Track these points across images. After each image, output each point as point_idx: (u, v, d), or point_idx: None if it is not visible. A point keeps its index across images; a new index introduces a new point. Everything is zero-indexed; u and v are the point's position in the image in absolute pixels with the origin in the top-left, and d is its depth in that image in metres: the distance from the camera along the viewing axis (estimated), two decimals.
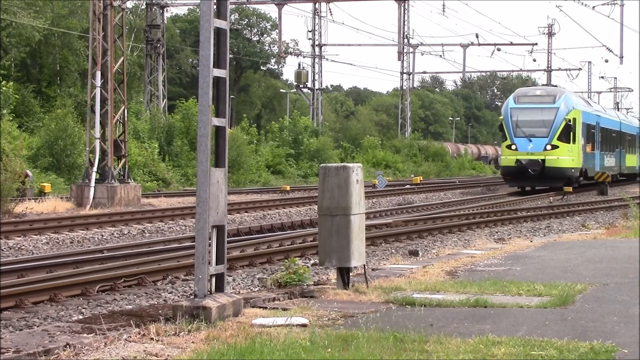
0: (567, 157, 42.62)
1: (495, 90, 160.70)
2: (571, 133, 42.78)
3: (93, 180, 30.48)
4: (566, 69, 78.20)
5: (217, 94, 9.61)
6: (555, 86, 50.47)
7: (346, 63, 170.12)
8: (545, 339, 8.10)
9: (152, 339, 8.25)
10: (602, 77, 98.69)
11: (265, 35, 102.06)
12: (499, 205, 32.92)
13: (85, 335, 8.34)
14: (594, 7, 55.22)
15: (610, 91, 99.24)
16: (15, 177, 27.45)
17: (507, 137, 43.07)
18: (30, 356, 7.49)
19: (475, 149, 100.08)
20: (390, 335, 8.16)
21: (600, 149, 50.12)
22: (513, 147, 42.51)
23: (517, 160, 41.98)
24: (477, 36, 64.00)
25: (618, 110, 78.08)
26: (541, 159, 41.70)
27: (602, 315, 9.44)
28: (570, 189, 43.32)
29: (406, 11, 51.89)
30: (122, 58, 32.69)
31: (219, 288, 9.48)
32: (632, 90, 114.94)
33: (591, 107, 50.97)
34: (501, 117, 44.39)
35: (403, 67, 74.62)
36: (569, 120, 42.59)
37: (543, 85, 52.43)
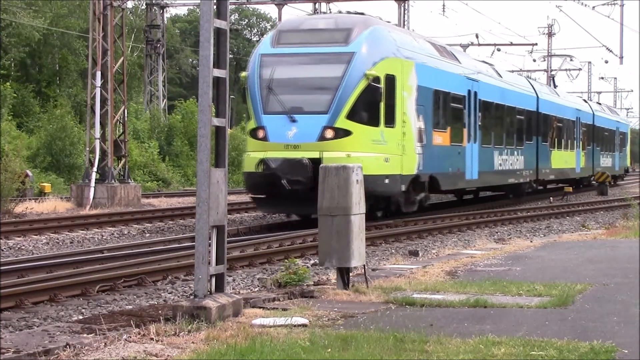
0: (373, 154, 21.78)
1: None
2: (381, 105, 22.03)
3: (93, 181, 30.50)
4: (566, 69, 78.14)
5: (217, 94, 9.62)
6: (362, 14, 24.68)
7: None
8: (545, 339, 8.09)
9: (152, 339, 8.25)
10: (602, 78, 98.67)
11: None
12: (499, 205, 32.85)
13: (85, 335, 8.34)
14: (594, 7, 54.60)
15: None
16: (15, 177, 27.48)
17: (251, 113, 22.37)
18: (30, 356, 7.48)
19: None
20: (390, 335, 8.15)
21: (482, 141, 29.66)
22: (260, 133, 21.73)
23: (263, 162, 21.10)
24: (477, 36, 63.88)
25: (555, 87, 52.93)
26: (310, 160, 20.65)
27: (602, 315, 9.44)
28: (570, 188, 39.36)
29: (406, 11, 52.00)
30: (122, 58, 32.71)
31: (219, 288, 9.48)
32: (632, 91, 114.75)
33: (455, 60, 28.71)
34: (244, 74, 23.09)
35: None
36: (375, 79, 21.72)
37: (340, 12, 27.46)
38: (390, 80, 22.59)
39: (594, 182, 47.54)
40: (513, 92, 34.06)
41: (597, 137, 50.57)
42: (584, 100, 53.16)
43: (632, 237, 18.91)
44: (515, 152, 33.64)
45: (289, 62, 22.32)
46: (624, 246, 16.91)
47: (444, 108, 26.75)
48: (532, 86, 38.56)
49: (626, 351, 7.69)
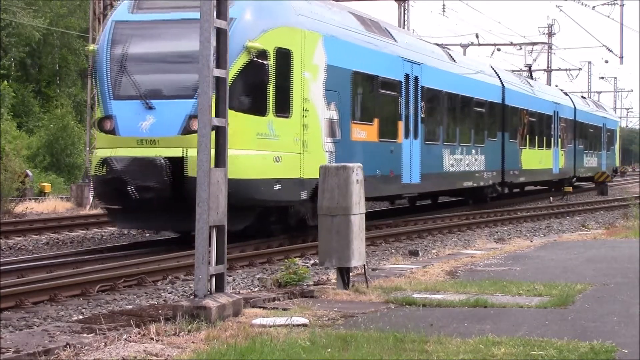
0: (257, 151, 16.97)
1: None
2: (270, 87, 17.10)
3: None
4: (566, 69, 78.13)
5: (217, 94, 9.61)
6: None
7: None
8: (545, 339, 8.10)
9: (152, 339, 8.25)
10: (602, 78, 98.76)
11: None
12: (499, 205, 32.82)
13: (85, 335, 8.34)
14: (594, 7, 54.53)
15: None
16: (15, 177, 27.51)
17: (98, 99, 17.52)
18: (30, 356, 7.48)
19: None
20: (390, 335, 8.16)
21: (426, 137, 24.60)
22: (108, 124, 16.98)
23: (105, 162, 16.46)
24: (477, 36, 63.81)
25: (532, 78, 47.92)
26: (168, 159, 16.14)
27: (602, 315, 9.44)
28: (570, 188, 39.08)
29: (406, 11, 51.94)
30: None
31: (219, 288, 9.48)
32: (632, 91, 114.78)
33: (388, 37, 23.22)
34: (92, 47, 18.02)
35: None
36: (261, 54, 16.86)
37: None
38: (284, 55, 17.52)
39: (593, 182, 45.36)
40: (470, 80, 28.84)
41: (580, 134, 45.70)
42: (565, 93, 46.83)
43: (632, 237, 18.92)
44: (474, 151, 28.58)
45: (149, 32, 17.38)
46: (624, 246, 16.92)
47: (370, 95, 21.42)
48: (497, 74, 33.01)
49: (626, 351, 7.69)
